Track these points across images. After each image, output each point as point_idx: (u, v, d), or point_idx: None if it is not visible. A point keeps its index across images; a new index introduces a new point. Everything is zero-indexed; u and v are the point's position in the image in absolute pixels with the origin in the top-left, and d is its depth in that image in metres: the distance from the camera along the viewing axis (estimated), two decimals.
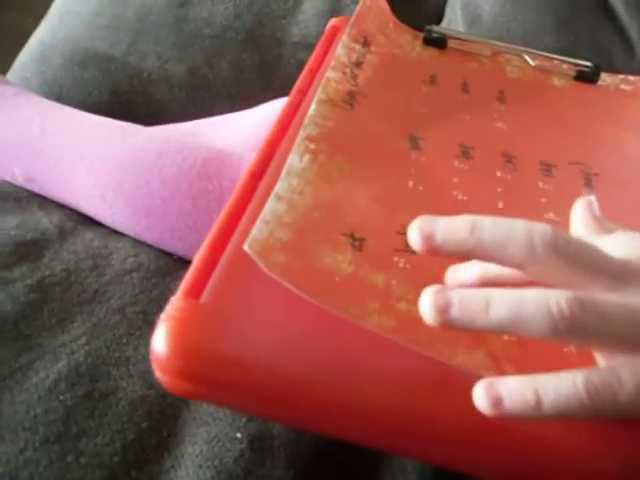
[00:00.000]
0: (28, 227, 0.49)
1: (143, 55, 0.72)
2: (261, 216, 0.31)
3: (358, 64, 0.46)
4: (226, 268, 0.30)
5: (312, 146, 0.37)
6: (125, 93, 0.71)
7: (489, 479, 0.30)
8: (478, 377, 0.26)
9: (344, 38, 0.48)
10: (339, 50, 0.46)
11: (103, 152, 0.52)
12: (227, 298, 0.29)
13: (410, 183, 0.38)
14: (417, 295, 0.26)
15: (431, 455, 0.29)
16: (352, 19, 0.50)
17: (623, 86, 0.52)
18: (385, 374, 0.28)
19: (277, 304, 0.30)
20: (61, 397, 0.37)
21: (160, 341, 0.27)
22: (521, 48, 0.54)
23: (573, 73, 0.52)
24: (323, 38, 0.51)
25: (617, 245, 0.29)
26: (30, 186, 0.55)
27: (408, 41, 0.52)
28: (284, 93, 0.64)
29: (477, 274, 0.31)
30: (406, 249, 0.33)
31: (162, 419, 0.37)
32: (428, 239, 0.26)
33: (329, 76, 0.43)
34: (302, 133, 0.38)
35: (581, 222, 0.31)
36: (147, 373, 0.39)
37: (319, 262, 0.31)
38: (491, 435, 0.27)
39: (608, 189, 0.41)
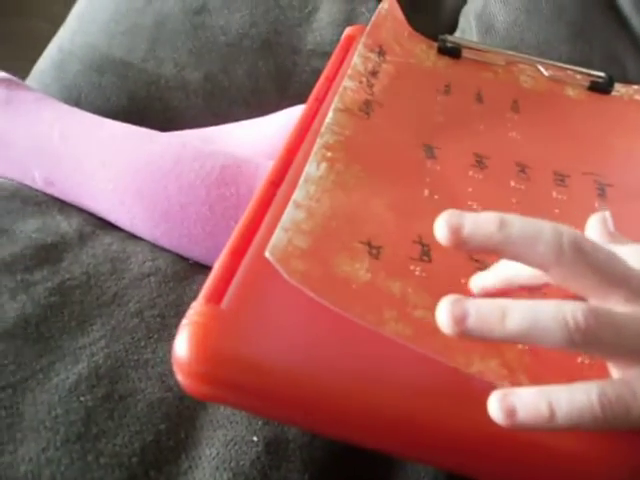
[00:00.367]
0: (48, 231, 0.50)
1: (160, 62, 0.73)
2: (280, 224, 0.32)
3: (374, 73, 0.47)
4: (246, 274, 0.31)
5: (329, 154, 0.38)
6: (142, 99, 0.72)
7: None
8: (493, 386, 0.27)
9: (360, 47, 0.48)
10: (355, 59, 0.47)
11: (122, 158, 0.53)
12: (247, 304, 0.30)
13: (425, 192, 0.38)
14: (433, 303, 0.26)
15: (444, 461, 0.30)
16: (368, 28, 0.50)
17: (637, 97, 0.52)
18: (401, 380, 0.29)
19: (296, 310, 0.30)
20: (81, 398, 0.37)
21: (182, 345, 0.28)
22: (535, 58, 0.54)
23: (587, 83, 0.52)
24: (339, 47, 0.51)
25: (636, 257, 0.29)
26: (50, 190, 0.56)
27: (423, 50, 0.53)
28: (299, 100, 0.65)
29: (498, 280, 0.31)
30: (421, 258, 0.33)
31: (180, 421, 0.37)
32: (456, 231, 0.25)
33: (346, 85, 0.44)
34: (319, 141, 0.38)
35: (595, 237, 0.31)
36: (165, 375, 0.40)
37: (337, 269, 0.31)
38: (504, 444, 0.28)
39: (622, 199, 0.41)
